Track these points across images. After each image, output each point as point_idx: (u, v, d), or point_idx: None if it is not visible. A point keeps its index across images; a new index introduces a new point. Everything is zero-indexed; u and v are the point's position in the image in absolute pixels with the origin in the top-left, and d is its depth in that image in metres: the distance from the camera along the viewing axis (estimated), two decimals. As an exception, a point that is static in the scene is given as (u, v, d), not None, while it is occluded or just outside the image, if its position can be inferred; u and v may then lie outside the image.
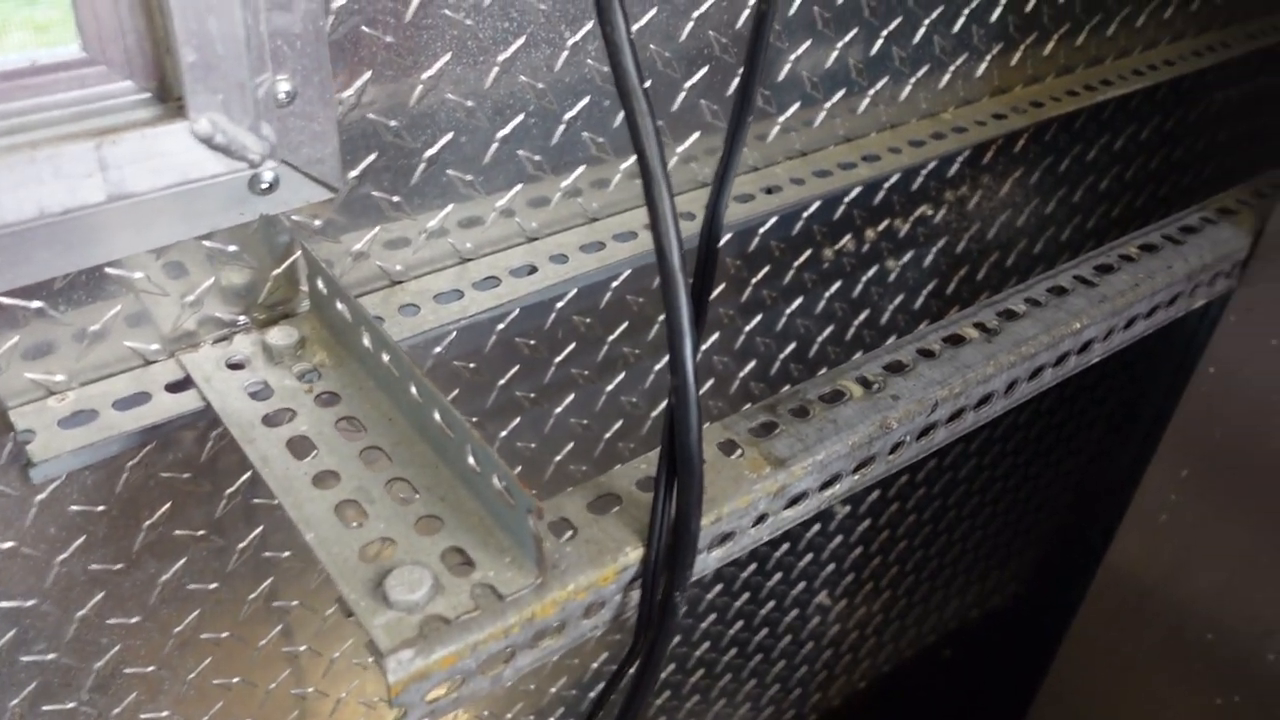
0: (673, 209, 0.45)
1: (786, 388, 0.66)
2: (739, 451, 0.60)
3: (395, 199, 0.66)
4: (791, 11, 0.81)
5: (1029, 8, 1.00)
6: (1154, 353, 1.55)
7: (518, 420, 0.86)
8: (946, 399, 0.66)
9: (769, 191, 0.85)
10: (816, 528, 1.31)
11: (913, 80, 0.94)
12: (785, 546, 1.29)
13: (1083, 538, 1.82)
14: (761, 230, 0.94)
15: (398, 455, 0.56)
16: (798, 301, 1.02)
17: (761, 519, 0.60)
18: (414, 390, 0.55)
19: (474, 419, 0.82)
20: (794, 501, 0.61)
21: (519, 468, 0.90)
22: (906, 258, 1.10)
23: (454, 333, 0.75)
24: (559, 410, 0.88)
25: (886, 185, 1.01)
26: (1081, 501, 1.80)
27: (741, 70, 0.60)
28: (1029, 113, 1.01)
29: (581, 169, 0.75)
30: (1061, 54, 1.07)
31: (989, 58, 1.00)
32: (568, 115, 0.72)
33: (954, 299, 1.20)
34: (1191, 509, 1.02)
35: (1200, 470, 1.00)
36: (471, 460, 0.52)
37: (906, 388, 0.65)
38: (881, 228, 1.04)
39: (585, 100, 0.72)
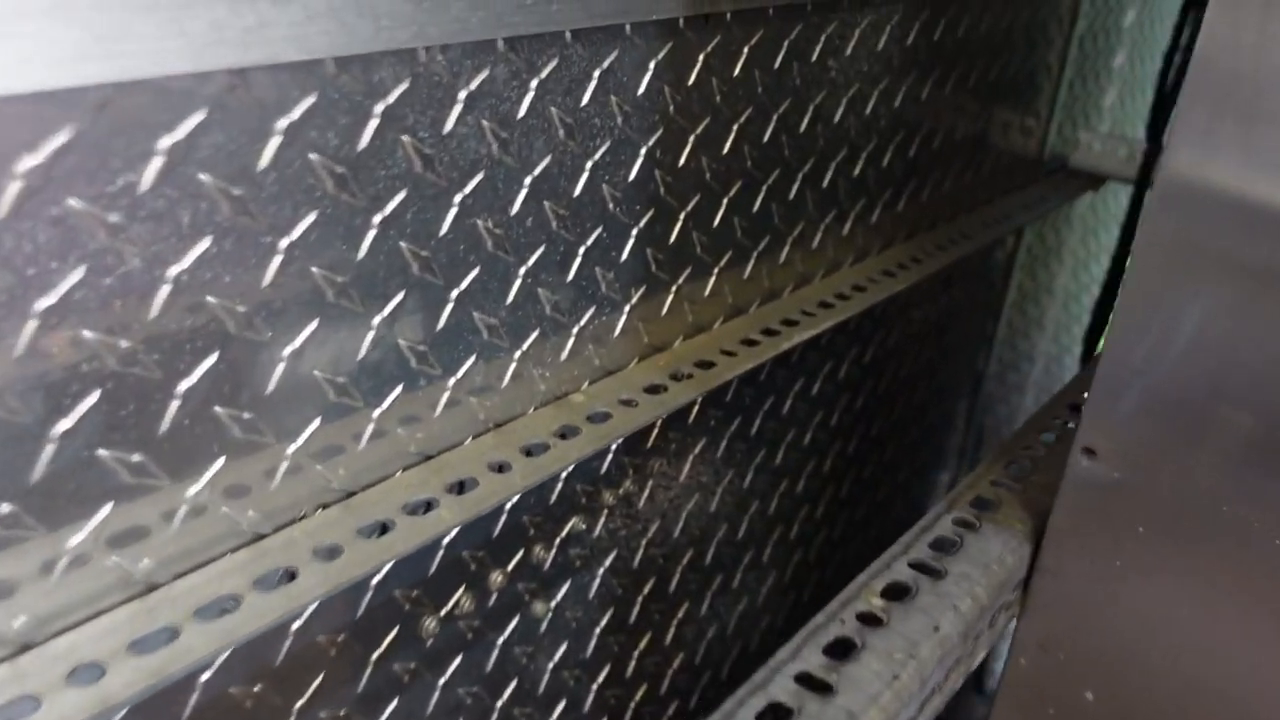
0: None
1: None
2: None
3: None
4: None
5: (672, 241, 0.72)
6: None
7: None
8: None
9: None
10: None
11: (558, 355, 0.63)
12: None
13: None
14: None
15: None
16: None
17: None
18: None
19: None
20: None
21: None
22: (564, 589, 0.75)
23: None
24: None
25: (509, 507, 0.68)
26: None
27: None
28: (695, 378, 0.72)
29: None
30: (728, 291, 0.80)
31: (628, 309, 0.70)
32: None
33: (642, 627, 0.86)
34: None
35: None
36: None
37: None
38: (516, 560, 0.70)
39: None
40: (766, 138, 0.77)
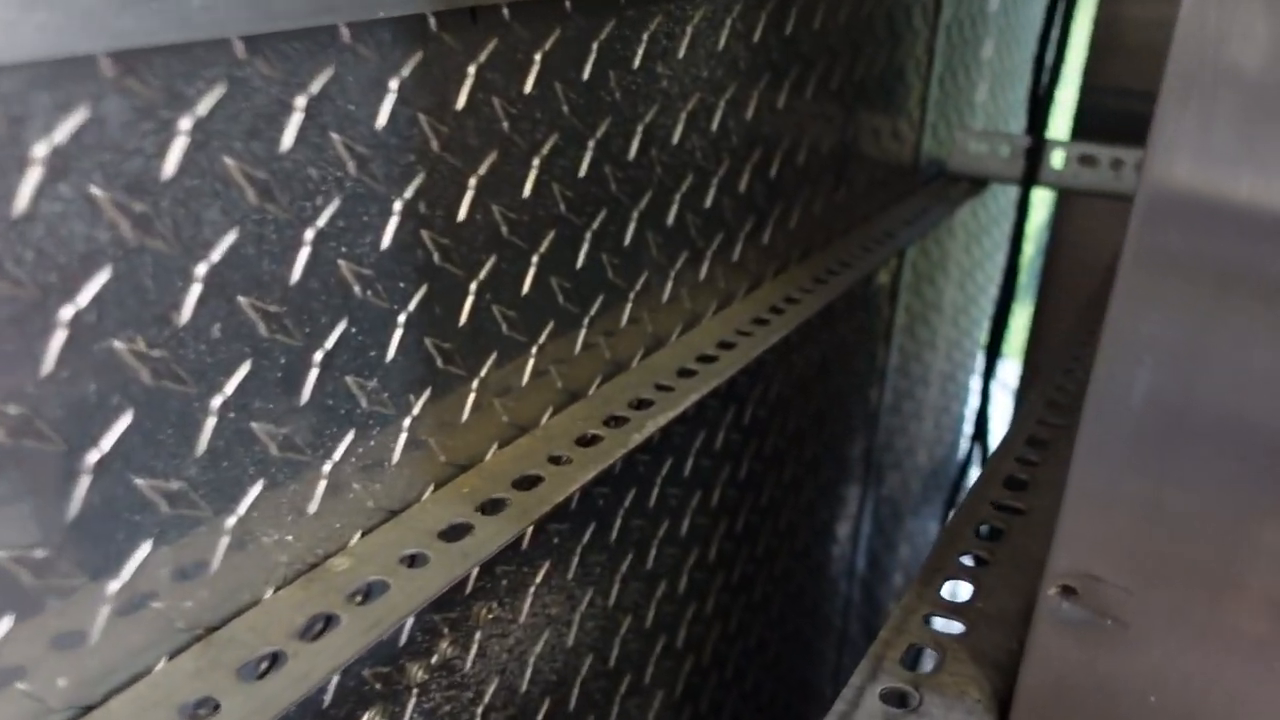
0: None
1: None
2: None
3: None
4: None
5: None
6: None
7: None
8: None
9: None
10: None
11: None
12: None
13: None
14: None
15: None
16: None
17: None
18: None
19: None
20: None
21: None
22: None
23: None
24: None
25: None
26: None
27: None
28: (514, 505, 0.52)
29: None
30: (555, 374, 0.61)
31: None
32: None
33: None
34: None
35: None
36: None
37: None
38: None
39: None
40: (583, 171, 0.58)
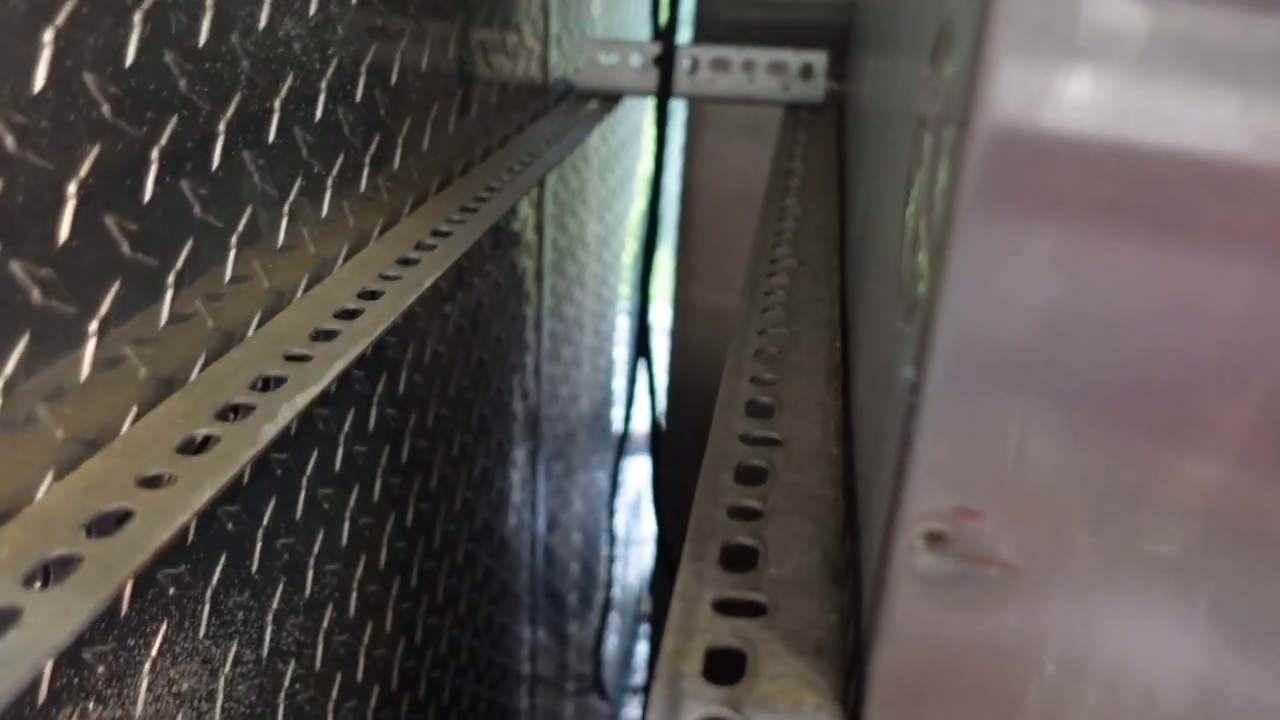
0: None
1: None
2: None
3: None
4: None
5: None
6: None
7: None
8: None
9: None
10: None
11: None
12: None
13: None
14: None
15: None
16: None
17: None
18: None
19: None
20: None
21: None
22: None
23: None
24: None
25: None
26: None
27: None
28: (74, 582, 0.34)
29: None
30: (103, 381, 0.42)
31: None
32: None
33: None
34: None
35: None
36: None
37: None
38: None
39: None
40: (130, 58, 0.40)
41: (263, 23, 0.49)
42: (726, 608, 0.34)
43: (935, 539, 0.28)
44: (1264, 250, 0.24)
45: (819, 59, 1.02)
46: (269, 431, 0.43)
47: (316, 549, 0.61)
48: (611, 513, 1.59)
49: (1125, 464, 0.27)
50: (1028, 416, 0.27)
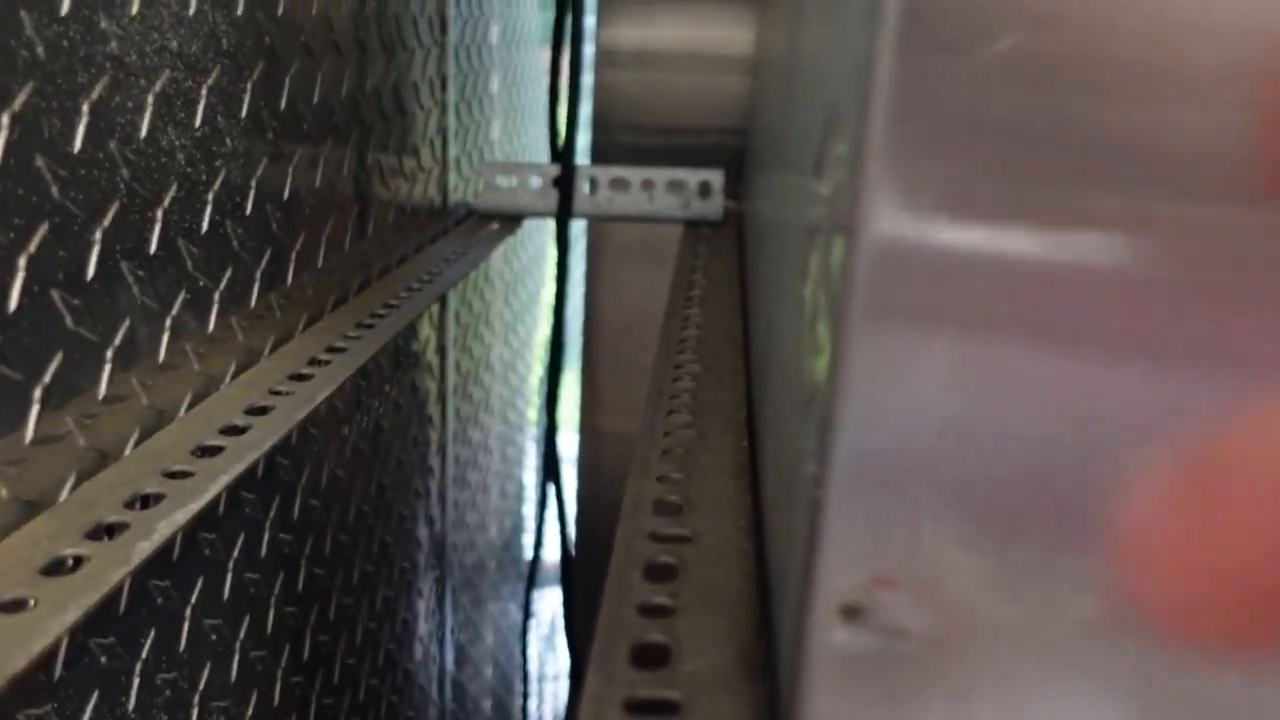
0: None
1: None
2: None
3: None
4: None
5: None
6: None
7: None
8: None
9: None
10: None
11: None
12: None
13: None
14: None
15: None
16: None
17: None
18: None
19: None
20: None
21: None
22: None
23: None
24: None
25: None
26: None
27: None
28: None
29: None
30: (-7, 475, 0.39)
31: None
32: None
33: None
34: None
35: None
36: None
37: None
38: None
39: None
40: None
41: (144, 131, 0.48)
42: (638, 707, 0.32)
43: (852, 613, 0.27)
44: (1147, 355, 0.24)
45: (716, 176, 1.05)
46: (145, 549, 0.40)
47: (202, 685, 0.57)
48: (524, 646, 1.53)
49: (1028, 560, 0.26)
50: (932, 511, 0.26)
